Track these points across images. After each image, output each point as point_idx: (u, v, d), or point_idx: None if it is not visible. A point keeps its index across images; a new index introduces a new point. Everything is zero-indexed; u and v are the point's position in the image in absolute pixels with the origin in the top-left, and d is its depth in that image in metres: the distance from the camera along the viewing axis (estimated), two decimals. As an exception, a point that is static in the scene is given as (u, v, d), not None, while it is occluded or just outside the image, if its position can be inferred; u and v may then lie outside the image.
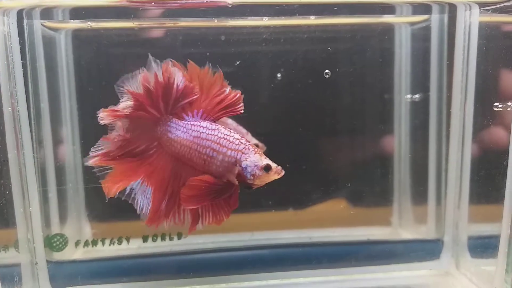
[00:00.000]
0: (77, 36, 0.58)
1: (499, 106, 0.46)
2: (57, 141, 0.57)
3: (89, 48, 0.58)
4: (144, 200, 0.45)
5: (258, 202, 0.62)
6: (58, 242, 0.54)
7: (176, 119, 0.45)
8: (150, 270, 0.56)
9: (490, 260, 0.50)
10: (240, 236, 0.59)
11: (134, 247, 0.56)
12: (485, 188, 0.52)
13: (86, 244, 0.55)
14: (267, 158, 0.42)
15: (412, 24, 0.62)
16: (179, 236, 0.55)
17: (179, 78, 0.43)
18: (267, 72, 0.61)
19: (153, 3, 0.47)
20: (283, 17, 0.56)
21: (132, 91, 0.44)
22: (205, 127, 0.44)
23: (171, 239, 0.55)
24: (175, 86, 0.43)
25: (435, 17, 0.57)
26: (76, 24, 0.56)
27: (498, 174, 0.47)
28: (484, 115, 0.50)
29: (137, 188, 0.45)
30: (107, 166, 0.45)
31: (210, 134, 0.43)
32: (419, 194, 0.62)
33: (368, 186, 0.65)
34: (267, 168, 0.41)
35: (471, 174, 0.53)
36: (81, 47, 0.58)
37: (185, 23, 0.55)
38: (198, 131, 0.44)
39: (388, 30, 0.62)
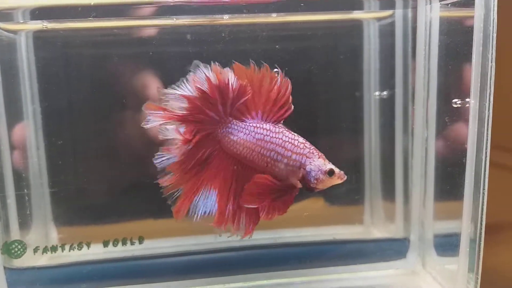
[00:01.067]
0: (39, 38, 0.56)
1: (458, 102, 0.45)
2: (17, 145, 0.56)
3: (52, 50, 0.57)
4: (208, 204, 0.45)
5: None
6: (16, 249, 0.53)
7: (237, 121, 0.44)
8: (110, 275, 0.54)
9: (455, 258, 0.49)
10: (205, 239, 0.58)
11: (100, 251, 0.55)
12: (449, 185, 0.51)
13: (45, 250, 0.54)
14: (330, 163, 0.43)
15: (379, 19, 0.61)
16: (140, 240, 0.54)
17: (232, 78, 0.43)
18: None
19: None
20: (243, 15, 0.55)
21: (187, 95, 0.43)
22: (269, 129, 0.44)
23: (132, 243, 0.54)
24: (230, 86, 0.43)
25: (399, 12, 0.57)
26: (36, 25, 0.55)
27: (460, 171, 0.47)
28: (446, 112, 0.50)
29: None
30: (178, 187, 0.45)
31: (275, 137, 0.43)
32: (389, 192, 0.62)
33: (340, 185, 0.64)
34: (331, 172, 0.42)
35: (435, 171, 0.52)
36: (43, 48, 0.56)
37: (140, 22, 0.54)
38: (262, 133, 0.44)
39: (356, 26, 0.62)
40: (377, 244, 0.58)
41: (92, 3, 0.48)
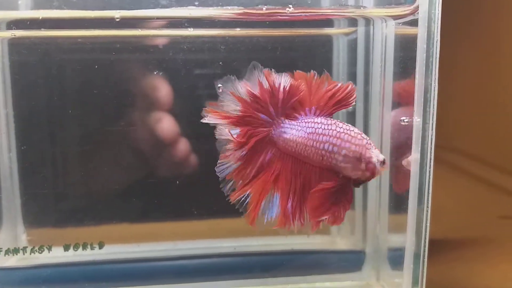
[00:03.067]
0: (14, 44, 0.57)
1: (406, 120, 0.46)
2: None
3: (27, 55, 0.58)
4: (272, 206, 0.45)
5: (217, 207, 0.62)
6: (-20, 250, 0.54)
7: (289, 120, 0.45)
8: (70, 279, 0.55)
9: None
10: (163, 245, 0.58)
11: (69, 254, 0.56)
12: (402, 199, 0.52)
13: (7, 252, 0.55)
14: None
15: (347, 34, 0.62)
16: (101, 245, 0.55)
17: (285, 80, 0.44)
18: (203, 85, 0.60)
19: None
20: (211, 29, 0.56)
21: (241, 97, 0.44)
22: (320, 122, 0.44)
23: (92, 248, 0.55)
24: (281, 89, 0.44)
25: (361, 29, 0.57)
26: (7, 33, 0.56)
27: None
28: (399, 128, 0.50)
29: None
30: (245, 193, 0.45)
31: (327, 129, 0.43)
32: (354, 204, 0.62)
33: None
34: (384, 162, 0.41)
35: (390, 185, 0.53)
36: (17, 54, 0.58)
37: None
38: (313, 127, 0.44)
39: (326, 41, 0.62)
40: (335, 255, 0.59)
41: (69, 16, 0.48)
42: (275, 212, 0.45)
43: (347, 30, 0.61)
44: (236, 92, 0.44)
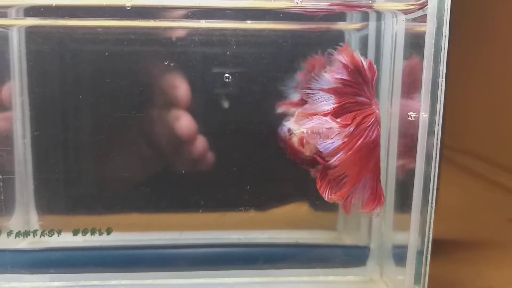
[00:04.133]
0: (30, 33, 0.59)
1: (413, 115, 0.46)
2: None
3: (43, 44, 0.60)
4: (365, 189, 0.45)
5: (225, 200, 0.62)
6: (-9, 232, 0.56)
7: None
8: (78, 263, 0.57)
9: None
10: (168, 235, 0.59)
11: (79, 240, 0.57)
12: (407, 196, 0.51)
13: (17, 234, 0.56)
14: None
15: (358, 30, 0.62)
16: (109, 231, 0.57)
17: (361, 58, 0.43)
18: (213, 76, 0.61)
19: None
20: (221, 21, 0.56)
21: (332, 89, 0.42)
22: None
23: (100, 234, 0.56)
24: (366, 67, 0.43)
25: (372, 24, 0.57)
26: (30, 21, 0.57)
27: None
28: (407, 125, 0.50)
29: None
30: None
31: None
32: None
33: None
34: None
35: (395, 182, 0.53)
36: (34, 43, 0.59)
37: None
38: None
39: (338, 36, 0.62)
40: (339, 250, 0.59)
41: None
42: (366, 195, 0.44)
43: (358, 25, 0.61)
44: (324, 86, 0.42)
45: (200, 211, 0.59)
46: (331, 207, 0.65)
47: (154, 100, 0.60)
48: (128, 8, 0.42)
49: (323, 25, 0.61)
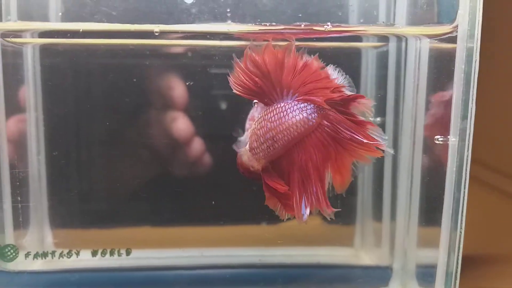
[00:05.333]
0: (45, 50, 0.58)
1: (440, 139, 0.46)
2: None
3: (57, 61, 0.59)
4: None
5: (233, 214, 0.62)
6: (9, 253, 0.55)
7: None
8: (98, 284, 0.56)
9: (435, 289, 0.49)
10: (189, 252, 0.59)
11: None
12: (432, 213, 0.51)
13: (36, 256, 0.56)
14: None
15: (376, 47, 0.61)
16: (128, 252, 0.56)
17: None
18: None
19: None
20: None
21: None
22: None
23: (119, 254, 0.56)
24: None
25: (392, 44, 0.57)
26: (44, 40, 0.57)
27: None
28: (431, 146, 0.50)
29: None
30: None
31: None
32: (379, 216, 0.62)
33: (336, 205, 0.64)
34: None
35: (420, 199, 0.52)
36: (48, 60, 0.59)
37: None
38: None
39: (355, 53, 0.62)
40: (363, 270, 0.58)
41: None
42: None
43: (377, 44, 0.61)
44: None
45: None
46: (347, 221, 0.65)
47: (168, 116, 0.59)
48: (157, 34, 0.42)
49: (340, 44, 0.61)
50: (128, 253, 0.56)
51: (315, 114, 0.43)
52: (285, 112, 0.43)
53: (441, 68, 0.48)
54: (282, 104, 0.43)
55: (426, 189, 0.52)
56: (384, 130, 0.58)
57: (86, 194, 0.62)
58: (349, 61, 0.62)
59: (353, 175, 0.45)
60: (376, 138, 0.44)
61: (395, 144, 0.58)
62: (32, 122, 0.60)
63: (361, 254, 0.64)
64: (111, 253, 0.56)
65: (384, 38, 0.58)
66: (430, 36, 0.47)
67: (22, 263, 0.56)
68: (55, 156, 0.61)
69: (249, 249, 0.61)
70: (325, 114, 0.43)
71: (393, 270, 0.56)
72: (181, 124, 0.58)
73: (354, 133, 0.43)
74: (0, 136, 0.56)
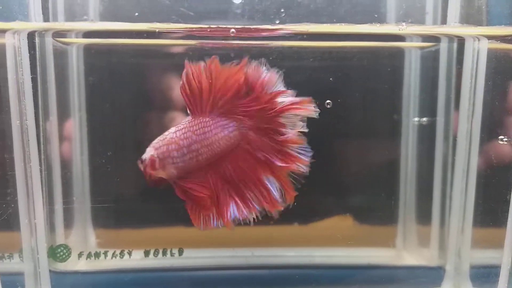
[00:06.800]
0: (88, 49, 0.59)
1: (504, 139, 0.46)
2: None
3: (100, 61, 0.59)
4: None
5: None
6: (62, 253, 0.55)
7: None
8: (150, 285, 0.56)
9: (491, 290, 0.49)
10: (240, 252, 0.59)
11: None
12: (490, 214, 0.51)
13: (89, 256, 0.56)
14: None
15: (422, 48, 0.61)
16: (180, 252, 0.56)
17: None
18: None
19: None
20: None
21: None
22: None
23: (172, 254, 0.56)
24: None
25: (444, 44, 0.57)
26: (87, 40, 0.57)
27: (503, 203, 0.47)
28: (490, 146, 0.50)
29: None
30: None
31: None
32: (424, 217, 0.62)
33: (374, 206, 0.64)
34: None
35: (475, 201, 0.52)
36: (91, 59, 0.59)
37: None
38: None
39: (398, 53, 0.62)
40: (410, 271, 0.58)
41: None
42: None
43: (424, 44, 0.61)
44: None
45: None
46: (388, 222, 0.65)
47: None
48: (233, 34, 0.42)
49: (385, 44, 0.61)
50: (180, 253, 0.56)
51: (236, 132, 0.45)
52: (209, 128, 0.45)
53: (501, 68, 0.48)
54: (207, 119, 0.45)
55: (483, 190, 0.52)
56: (433, 130, 0.59)
57: (129, 194, 0.62)
58: (391, 61, 0.62)
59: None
60: (297, 155, 0.46)
61: (446, 144, 0.58)
62: (76, 122, 0.60)
63: (404, 255, 0.64)
64: (164, 253, 0.56)
65: (432, 39, 0.58)
66: (490, 37, 0.47)
67: (73, 263, 0.56)
68: (98, 156, 0.61)
69: (296, 249, 0.61)
70: (245, 133, 0.46)
71: (445, 271, 0.56)
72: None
73: (268, 155, 0.45)
74: (52, 136, 0.56)
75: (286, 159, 0.46)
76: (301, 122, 0.46)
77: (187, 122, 0.46)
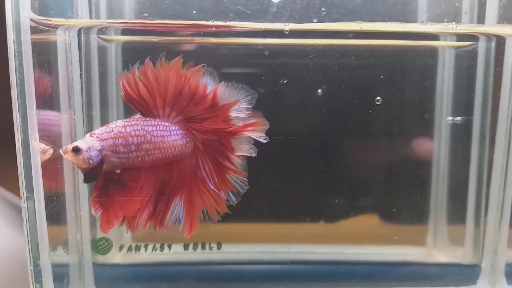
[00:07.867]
0: (126, 47, 0.60)
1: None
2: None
3: (137, 58, 0.60)
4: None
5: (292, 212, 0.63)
6: (103, 246, 0.56)
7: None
8: (189, 278, 0.57)
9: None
10: (277, 247, 0.59)
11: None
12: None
13: (129, 249, 0.57)
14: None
15: (457, 47, 0.62)
16: (219, 246, 0.57)
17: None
18: (309, 92, 0.61)
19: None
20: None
21: None
22: None
23: (210, 248, 0.57)
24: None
25: (482, 43, 0.57)
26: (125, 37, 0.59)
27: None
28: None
29: None
30: None
31: None
32: (456, 215, 0.62)
33: (404, 204, 0.65)
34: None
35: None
36: (129, 56, 0.60)
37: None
38: None
39: (432, 52, 0.62)
40: (445, 268, 0.59)
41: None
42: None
43: (459, 43, 0.61)
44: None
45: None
46: (418, 220, 0.65)
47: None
48: (287, 32, 0.43)
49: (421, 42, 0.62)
50: (219, 247, 0.57)
51: (192, 144, 0.46)
52: (169, 133, 0.45)
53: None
54: (167, 124, 0.45)
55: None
56: (468, 130, 0.59)
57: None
58: (424, 60, 0.62)
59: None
60: (233, 184, 0.47)
61: (482, 143, 0.59)
62: (114, 118, 0.61)
63: (435, 253, 0.65)
64: (203, 247, 0.57)
65: (469, 38, 0.58)
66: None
67: (113, 256, 0.57)
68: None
69: (332, 246, 0.62)
70: (197, 147, 0.46)
71: (481, 269, 0.57)
72: None
73: (208, 174, 0.46)
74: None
75: (222, 186, 0.47)
76: (249, 147, 0.47)
77: (141, 120, 0.45)
